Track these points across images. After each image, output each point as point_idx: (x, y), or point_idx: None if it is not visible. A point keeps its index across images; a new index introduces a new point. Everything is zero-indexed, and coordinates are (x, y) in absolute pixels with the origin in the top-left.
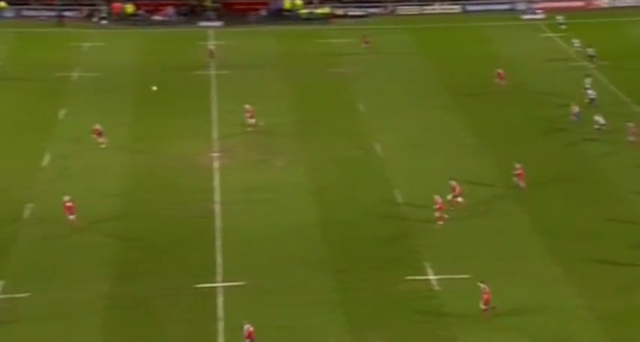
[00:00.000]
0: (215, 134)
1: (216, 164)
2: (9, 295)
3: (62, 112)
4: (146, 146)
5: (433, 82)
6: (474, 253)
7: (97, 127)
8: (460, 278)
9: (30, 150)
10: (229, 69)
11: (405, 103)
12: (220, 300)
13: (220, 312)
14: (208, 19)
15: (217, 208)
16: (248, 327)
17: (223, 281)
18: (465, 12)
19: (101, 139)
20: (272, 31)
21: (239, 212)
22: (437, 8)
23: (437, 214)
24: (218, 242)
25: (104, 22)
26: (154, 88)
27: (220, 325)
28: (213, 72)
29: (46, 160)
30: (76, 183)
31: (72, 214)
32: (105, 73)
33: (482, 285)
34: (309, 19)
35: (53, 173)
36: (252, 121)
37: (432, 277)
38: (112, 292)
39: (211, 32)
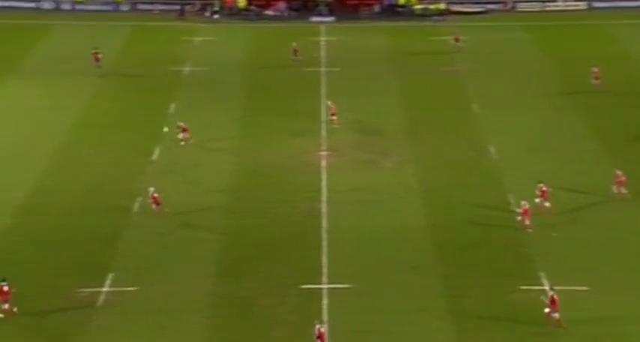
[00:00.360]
0: (324, 132)
1: (323, 163)
2: (118, 288)
3: (172, 107)
4: (254, 143)
5: (551, 83)
6: (591, 264)
7: (181, 124)
8: (578, 290)
9: (141, 143)
10: (339, 66)
11: (522, 103)
12: (325, 302)
13: (325, 314)
14: (320, 15)
15: (324, 208)
16: (319, 327)
17: (329, 283)
18: (591, 9)
19: (183, 136)
20: (384, 28)
21: (346, 212)
22: (560, 5)
23: (518, 218)
24: (324, 243)
25: (216, 16)
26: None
27: (324, 328)
28: (323, 69)
29: (156, 154)
30: (184, 178)
31: (157, 204)
32: (215, 68)
33: (550, 292)
34: (424, 15)
35: (162, 167)
36: (334, 118)
37: (547, 287)
38: (217, 290)
39: (323, 28)
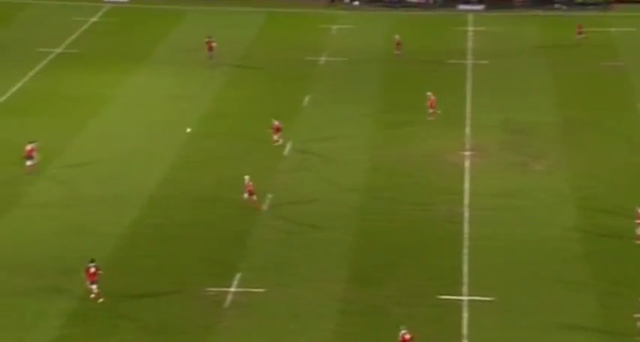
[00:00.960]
0: (468, 131)
1: (467, 164)
2: (245, 289)
3: (307, 99)
4: (391, 139)
5: None
6: None
7: (276, 123)
8: None
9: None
10: (488, 58)
11: None
12: (465, 315)
13: (465, 329)
14: (468, 2)
15: (466, 213)
16: (404, 332)
17: (469, 294)
18: None
19: (276, 137)
20: (538, 17)
21: (490, 219)
22: None
23: None
24: (465, 250)
25: (356, 3)
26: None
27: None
28: (469, 62)
29: (287, 149)
30: (316, 175)
31: (251, 194)
32: (352, 59)
33: None
34: (584, 4)
35: (293, 163)
36: (431, 111)
37: None
38: (347, 296)
39: (471, 17)
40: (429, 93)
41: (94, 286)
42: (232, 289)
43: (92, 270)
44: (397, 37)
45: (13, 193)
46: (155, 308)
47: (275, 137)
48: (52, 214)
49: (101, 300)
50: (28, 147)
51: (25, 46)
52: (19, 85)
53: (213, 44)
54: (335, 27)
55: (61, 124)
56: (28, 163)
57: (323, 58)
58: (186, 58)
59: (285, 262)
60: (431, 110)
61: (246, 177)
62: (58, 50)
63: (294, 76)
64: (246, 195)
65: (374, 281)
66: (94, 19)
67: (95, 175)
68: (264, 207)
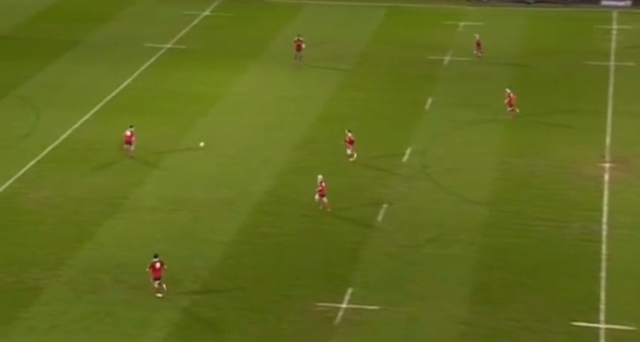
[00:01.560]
0: (608, 140)
1: (606, 177)
2: (358, 306)
3: (429, 102)
4: (522, 148)
5: None
6: None
7: (349, 134)
8: None
9: (392, 142)
10: (633, 60)
11: None
12: None
13: None
14: None
15: (604, 231)
16: None
17: (606, 322)
18: None
19: (350, 151)
20: None
21: (631, 239)
22: None
23: None
24: (602, 273)
25: None
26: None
27: None
28: (612, 63)
29: (407, 155)
30: (436, 185)
31: (322, 196)
32: (479, 58)
33: None
34: None
35: (412, 171)
36: (509, 109)
37: None
38: (470, 318)
39: (615, 14)
40: (508, 90)
41: (157, 282)
42: (343, 305)
43: (157, 265)
44: (477, 36)
45: (119, 196)
46: (261, 322)
47: (349, 151)
48: (156, 219)
49: (160, 295)
50: (127, 132)
51: (134, 42)
52: (127, 82)
53: (303, 45)
54: (462, 24)
55: (168, 123)
56: (129, 147)
57: (447, 58)
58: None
59: (402, 279)
60: (509, 108)
61: (320, 177)
62: (168, 46)
63: (416, 77)
64: (317, 197)
65: (499, 303)
66: (206, 12)
67: (202, 178)
68: (379, 218)
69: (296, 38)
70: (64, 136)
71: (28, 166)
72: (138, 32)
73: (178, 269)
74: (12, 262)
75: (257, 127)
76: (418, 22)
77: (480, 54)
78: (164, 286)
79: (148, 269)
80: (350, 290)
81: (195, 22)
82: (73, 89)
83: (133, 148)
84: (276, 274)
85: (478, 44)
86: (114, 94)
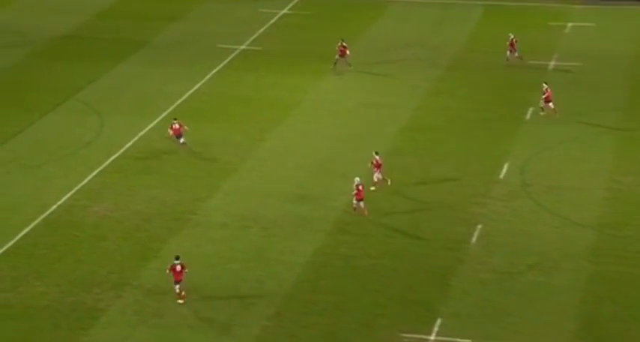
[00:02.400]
0: None
1: None
2: (447, 338)
3: (529, 112)
4: (635, 165)
5: None
6: None
7: (377, 157)
8: None
9: (487, 157)
10: None
11: None
12: None
13: None
14: None
15: None
16: None
17: None
18: None
19: (377, 175)
20: None
21: None
22: None
23: None
24: None
25: None
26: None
27: None
28: None
29: (504, 171)
30: (537, 204)
31: (360, 199)
32: (590, 64)
33: None
34: None
35: (510, 189)
36: (545, 105)
37: None
38: None
39: None
40: (545, 85)
41: (177, 286)
42: (432, 338)
43: (178, 268)
44: (512, 35)
45: (186, 210)
46: None
47: (375, 176)
48: (226, 236)
49: (181, 301)
50: (176, 125)
51: (205, 43)
52: (197, 86)
53: (347, 51)
54: (570, 25)
55: (240, 131)
56: (181, 139)
57: (552, 63)
58: (385, 59)
59: (497, 309)
60: (545, 104)
61: (357, 179)
62: (242, 47)
63: (516, 84)
64: (354, 201)
65: (609, 340)
66: (284, 11)
67: (276, 192)
68: (473, 240)
69: (340, 43)
70: (129, 144)
71: (90, 177)
72: (209, 32)
73: (249, 292)
74: (72, 281)
75: (337, 138)
76: (520, 23)
77: (513, 57)
78: (183, 293)
79: (168, 271)
80: (439, 321)
81: (273, 21)
82: (139, 93)
83: (183, 140)
84: (356, 301)
85: (512, 44)
86: (183, 99)
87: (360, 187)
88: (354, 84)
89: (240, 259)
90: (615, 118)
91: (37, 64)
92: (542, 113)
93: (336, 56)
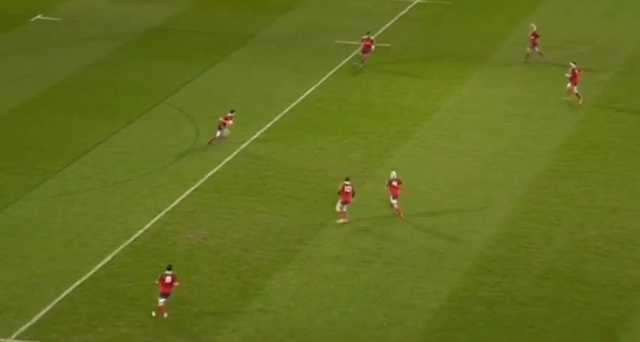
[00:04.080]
0: None
1: None
2: None
3: None
4: None
5: None
6: None
7: (396, 178)
8: None
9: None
10: None
11: None
12: None
13: None
14: None
15: None
16: None
17: None
18: None
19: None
20: None
21: None
22: None
23: None
24: None
25: None
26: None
27: None
28: None
29: None
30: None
31: (395, 197)
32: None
33: None
34: None
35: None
36: (570, 87)
37: None
38: None
39: None
40: (573, 64)
41: (162, 300)
42: None
43: (168, 279)
44: (534, 26)
45: (294, 240)
46: None
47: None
48: (342, 273)
49: (154, 314)
50: (229, 114)
51: (320, 38)
52: (310, 90)
53: (373, 47)
54: None
55: (361, 145)
56: (218, 133)
57: None
58: (539, 59)
59: None
60: (571, 86)
61: (393, 173)
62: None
63: None
64: (392, 200)
65: None
66: (418, 0)
67: (403, 221)
68: None
69: (365, 37)
70: (229, 158)
71: (182, 196)
72: (326, 26)
73: (367, 341)
74: (159, 323)
75: (480, 156)
76: None
77: (534, 51)
78: (165, 315)
79: (157, 282)
80: None
81: (403, 12)
82: (241, 98)
83: (220, 134)
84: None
85: (534, 37)
86: (293, 105)
87: (395, 183)
88: (503, 90)
89: (359, 300)
90: None
91: (123, 62)
92: (568, 99)
93: (360, 52)
